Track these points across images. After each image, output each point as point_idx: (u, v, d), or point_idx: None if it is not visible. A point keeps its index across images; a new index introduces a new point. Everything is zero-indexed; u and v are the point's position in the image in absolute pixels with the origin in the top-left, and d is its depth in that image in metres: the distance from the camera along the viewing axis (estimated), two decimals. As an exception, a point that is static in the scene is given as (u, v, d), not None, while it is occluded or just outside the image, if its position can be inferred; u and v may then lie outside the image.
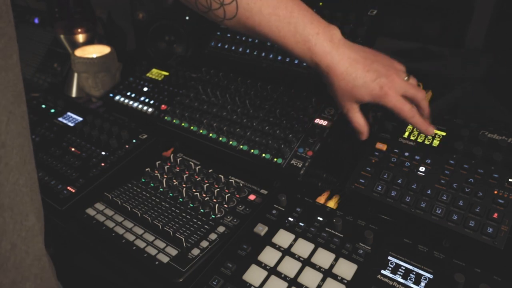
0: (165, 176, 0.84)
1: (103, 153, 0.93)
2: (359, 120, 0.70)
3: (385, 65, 0.68)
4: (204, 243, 0.68)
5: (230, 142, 0.85)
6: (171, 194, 0.80)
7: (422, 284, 0.57)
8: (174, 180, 0.83)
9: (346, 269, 0.60)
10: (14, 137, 0.43)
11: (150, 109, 1.02)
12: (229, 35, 1.03)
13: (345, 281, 0.58)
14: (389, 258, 0.61)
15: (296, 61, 0.91)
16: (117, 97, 1.10)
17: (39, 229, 0.48)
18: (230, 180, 0.80)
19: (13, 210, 0.43)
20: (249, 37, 0.71)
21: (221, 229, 0.71)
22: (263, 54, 0.96)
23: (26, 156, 0.46)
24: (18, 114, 0.44)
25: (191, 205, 0.77)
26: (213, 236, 0.70)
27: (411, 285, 0.57)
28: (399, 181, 0.68)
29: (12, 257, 0.44)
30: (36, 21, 1.54)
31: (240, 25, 0.66)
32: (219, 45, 1.03)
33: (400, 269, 0.59)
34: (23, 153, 0.46)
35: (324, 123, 0.82)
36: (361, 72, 0.65)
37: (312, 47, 0.65)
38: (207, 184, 0.79)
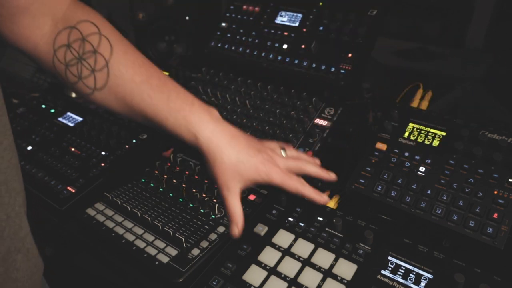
0: (165, 176, 0.84)
1: (103, 153, 0.92)
2: (236, 206, 0.61)
3: (260, 143, 0.65)
4: (204, 243, 0.68)
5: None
6: (171, 194, 0.80)
7: (422, 284, 0.57)
8: (174, 180, 0.82)
9: (346, 269, 0.60)
10: (3, 116, 0.47)
11: (150, 109, 1.02)
12: (229, 35, 1.03)
13: (345, 281, 0.58)
14: (389, 258, 0.61)
15: (296, 61, 0.91)
16: (117, 97, 1.10)
17: (24, 211, 0.51)
18: (230, 180, 0.80)
19: (8, 186, 0.46)
20: (121, 114, 0.64)
21: (221, 229, 0.71)
22: (263, 54, 0.96)
23: (12, 139, 0.49)
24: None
25: (191, 205, 0.77)
26: (213, 236, 0.70)
27: (411, 285, 0.57)
28: (399, 181, 0.68)
29: (7, 228, 0.46)
30: None
31: (111, 96, 0.61)
32: (219, 45, 1.03)
33: (400, 269, 0.59)
34: (12, 136, 0.49)
35: (324, 123, 0.82)
36: (243, 147, 0.61)
37: (187, 116, 0.60)
38: (207, 184, 0.79)
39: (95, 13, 0.62)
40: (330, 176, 0.68)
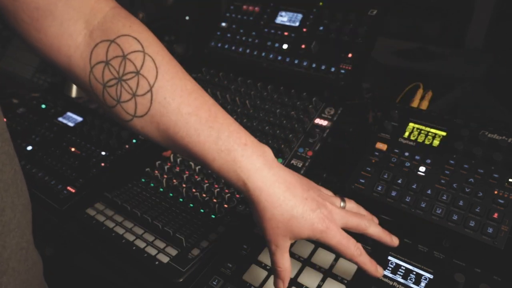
0: (165, 176, 0.84)
1: (103, 153, 0.92)
2: (286, 263, 0.54)
3: (319, 193, 0.56)
4: (204, 243, 0.68)
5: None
6: (171, 194, 0.80)
7: (422, 284, 0.57)
8: (174, 180, 0.82)
9: (346, 269, 0.60)
10: None
11: (150, 109, 1.02)
12: (229, 35, 1.03)
13: (345, 281, 0.58)
14: (389, 258, 0.61)
15: (296, 61, 0.91)
16: (117, 97, 1.10)
17: (17, 222, 0.47)
18: (230, 180, 0.80)
19: None
20: (162, 145, 0.56)
21: (221, 229, 0.71)
22: (263, 54, 0.96)
23: (8, 153, 0.45)
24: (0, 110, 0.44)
25: (191, 205, 0.77)
26: (213, 236, 0.70)
27: (411, 285, 0.57)
28: (399, 181, 0.68)
29: None
30: None
31: (152, 125, 0.53)
32: (219, 45, 1.03)
33: (400, 269, 0.59)
34: (9, 148, 0.45)
35: (324, 123, 0.82)
36: (299, 201, 0.52)
37: (238, 159, 0.51)
38: (207, 184, 0.79)
39: (139, 25, 0.54)
40: (393, 241, 0.58)
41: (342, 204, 0.58)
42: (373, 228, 0.57)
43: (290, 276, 0.55)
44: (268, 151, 0.55)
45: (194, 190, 0.80)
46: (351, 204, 0.60)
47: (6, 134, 0.46)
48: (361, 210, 0.60)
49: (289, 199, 0.52)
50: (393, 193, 0.67)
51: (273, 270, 0.55)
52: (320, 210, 0.53)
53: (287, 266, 0.54)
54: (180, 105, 0.52)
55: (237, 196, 0.78)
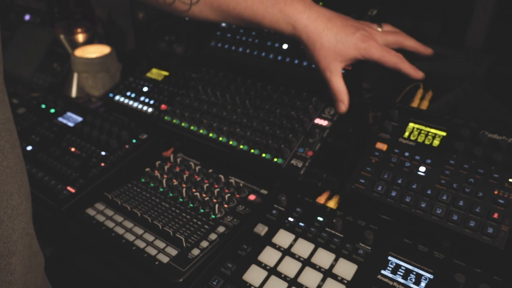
0: (165, 176, 0.84)
1: (103, 153, 0.92)
2: (340, 85, 0.67)
3: (356, 22, 0.67)
4: (204, 243, 0.68)
5: (230, 142, 0.85)
6: (171, 194, 0.80)
7: (422, 284, 0.57)
8: (174, 180, 0.82)
9: (346, 269, 0.60)
10: (2, 122, 0.46)
11: (150, 109, 1.02)
12: (229, 35, 1.03)
13: (345, 281, 0.58)
14: (389, 258, 0.61)
15: (296, 61, 0.91)
16: (117, 97, 1.10)
17: (24, 208, 0.50)
18: (230, 180, 0.80)
19: None
20: (221, 22, 0.69)
21: (221, 229, 0.71)
22: (263, 54, 0.96)
23: (11, 142, 0.48)
24: (5, 101, 0.47)
25: (191, 205, 0.77)
26: (213, 236, 0.70)
27: (411, 285, 0.57)
28: (399, 181, 0.68)
29: (0, 232, 0.46)
30: (27, 17, 1.53)
31: (207, 7, 0.65)
32: (219, 45, 1.03)
33: (400, 269, 0.59)
34: (11, 138, 0.48)
35: (324, 123, 0.82)
36: (340, 28, 0.64)
37: (283, 9, 0.63)
38: (207, 184, 0.79)
39: None
40: (427, 50, 0.70)
41: (379, 28, 0.68)
42: (408, 41, 0.68)
43: (348, 98, 0.67)
44: None
45: (194, 190, 0.80)
46: (387, 27, 0.70)
47: (9, 124, 0.48)
48: (398, 30, 0.70)
49: (332, 28, 0.63)
50: (393, 193, 0.67)
51: (331, 95, 0.67)
52: (360, 32, 0.64)
53: (342, 87, 0.66)
54: None
55: (237, 196, 0.78)
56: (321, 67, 0.66)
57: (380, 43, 0.66)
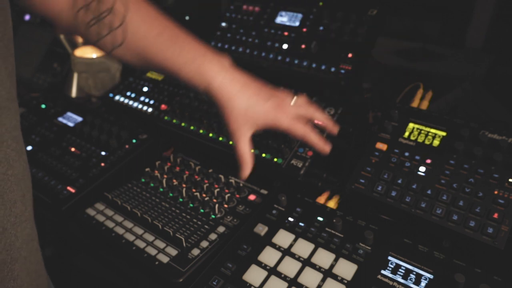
0: (165, 176, 0.84)
1: (103, 153, 0.92)
2: (245, 150, 0.66)
3: (271, 91, 0.68)
4: (204, 243, 0.68)
5: (230, 142, 0.85)
6: (171, 194, 0.80)
7: (422, 284, 0.57)
8: (174, 180, 0.82)
9: (346, 269, 0.60)
10: (8, 130, 0.46)
11: (150, 109, 1.02)
12: (229, 35, 1.03)
13: (345, 281, 0.58)
14: (389, 258, 0.61)
15: (296, 61, 0.91)
16: (117, 97, 1.10)
17: (28, 214, 0.51)
18: (230, 180, 0.80)
19: (3, 198, 0.46)
20: (141, 67, 0.70)
21: (221, 229, 0.71)
22: (263, 54, 0.96)
23: (17, 150, 0.48)
24: (13, 108, 0.47)
25: (191, 205, 0.77)
26: (213, 236, 0.70)
27: (411, 285, 0.57)
28: (399, 181, 0.68)
29: (3, 240, 0.46)
30: (27, 18, 1.53)
31: (129, 52, 0.65)
32: (219, 45, 1.03)
33: (400, 269, 0.59)
34: (18, 146, 0.48)
35: (324, 123, 0.82)
36: (253, 94, 0.65)
37: (200, 66, 0.64)
38: (207, 184, 0.79)
39: None
40: (334, 128, 0.72)
41: (292, 102, 0.69)
42: (318, 115, 0.70)
43: (251, 164, 0.67)
44: (226, 60, 0.66)
45: (194, 190, 0.80)
46: (302, 100, 0.70)
47: (16, 132, 0.49)
48: (311, 104, 0.71)
49: (244, 92, 0.65)
50: (393, 193, 0.67)
51: (237, 159, 0.67)
52: (272, 100, 0.66)
53: (247, 153, 0.66)
54: (148, 30, 0.63)
55: (237, 196, 0.78)
56: (230, 129, 0.66)
57: (289, 113, 0.67)
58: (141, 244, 0.70)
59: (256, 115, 0.65)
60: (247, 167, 0.67)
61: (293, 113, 0.67)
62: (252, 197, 0.77)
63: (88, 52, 1.20)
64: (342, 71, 0.85)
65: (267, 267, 0.62)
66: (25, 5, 0.62)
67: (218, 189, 0.78)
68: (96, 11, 0.61)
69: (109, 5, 0.61)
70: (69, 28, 0.65)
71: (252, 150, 0.68)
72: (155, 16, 0.65)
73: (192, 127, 0.91)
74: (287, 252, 0.64)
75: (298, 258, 0.62)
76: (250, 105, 0.65)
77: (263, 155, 0.81)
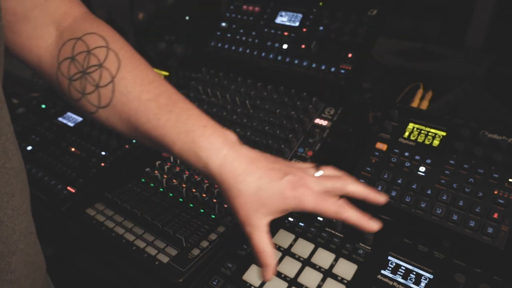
0: (165, 176, 0.84)
1: (103, 153, 0.92)
2: (264, 244, 0.51)
3: (287, 164, 0.54)
4: (204, 243, 0.68)
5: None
6: (171, 194, 0.80)
7: (422, 284, 0.57)
8: (174, 180, 0.82)
9: (346, 269, 0.60)
10: (7, 124, 0.46)
11: (150, 109, 1.02)
12: (229, 35, 1.03)
13: (345, 281, 0.58)
14: (389, 258, 0.61)
15: (296, 61, 0.91)
16: (117, 97, 1.10)
17: (26, 208, 0.50)
18: (230, 180, 0.80)
19: (1, 191, 0.45)
20: (126, 135, 0.57)
21: (221, 229, 0.71)
22: (263, 54, 0.96)
23: (15, 144, 0.48)
24: (5, 104, 0.46)
25: (191, 205, 0.77)
26: (213, 236, 0.70)
27: (411, 285, 0.57)
28: (399, 181, 0.68)
29: (0, 233, 0.45)
30: None
31: (115, 115, 0.55)
32: (219, 45, 1.03)
33: (400, 269, 0.59)
34: (15, 140, 0.48)
35: (324, 123, 0.82)
36: (264, 171, 0.51)
37: (196, 139, 0.51)
38: (207, 184, 0.79)
39: (105, 25, 0.58)
40: (380, 198, 0.56)
41: (315, 173, 0.54)
42: (352, 186, 0.54)
43: (274, 261, 0.51)
44: (230, 134, 0.54)
45: (194, 190, 0.80)
46: (327, 171, 0.56)
47: (12, 126, 0.48)
48: (339, 174, 0.57)
49: (253, 171, 0.50)
50: (393, 193, 0.67)
51: (255, 257, 0.51)
52: (288, 177, 0.51)
53: (267, 247, 0.51)
54: (140, 92, 0.54)
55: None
56: (240, 219, 0.51)
57: (313, 188, 0.51)
58: (141, 244, 0.70)
59: (271, 198, 0.50)
60: (271, 264, 0.51)
61: (318, 188, 0.52)
62: (252, 197, 0.77)
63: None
64: (342, 71, 0.85)
65: (267, 267, 0.62)
66: (5, 46, 0.54)
67: (218, 189, 0.78)
68: (84, 64, 0.54)
69: (100, 58, 0.54)
70: (50, 81, 0.58)
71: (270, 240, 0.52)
72: (152, 78, 0.56)
73: (192, 127, 0.91)
74: (287, 252, 0.64)
75: (298, 258, 0.62)
76: (261, 186, 0.50)
77: (263, 155, 0.81)
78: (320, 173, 0.55)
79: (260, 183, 0.50)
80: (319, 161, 0.78)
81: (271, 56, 0.95)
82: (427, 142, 0.72)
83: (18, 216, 0.48)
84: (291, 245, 0.64)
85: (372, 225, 0.53)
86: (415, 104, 0.86)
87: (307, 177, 0.53)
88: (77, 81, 0.55)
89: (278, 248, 0.64)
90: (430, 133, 0.72)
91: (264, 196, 0.50)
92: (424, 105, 0.86)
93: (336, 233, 0.65)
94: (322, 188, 0.52)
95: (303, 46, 0.92)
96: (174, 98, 0.55)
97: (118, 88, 0.54)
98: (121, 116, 0.55)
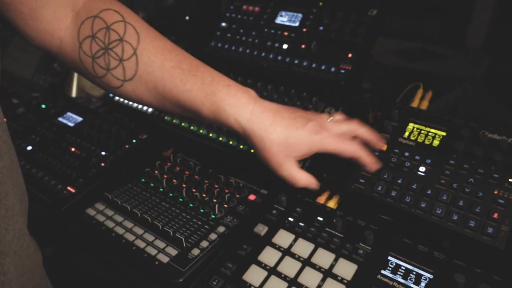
0: (165, 176, 0.84)
1: (103, 153, 0.92)
2: (303, 176, 0.60)
3: (305, 112, 0.62)
4: (204, 243, 0.68)
5: (230, 142, 0.85)
6: (171, 194, 0.80)
7: (422, 284, 0.57)
8: (174, 180, 0.82)
9: (346, 269, 0.60)
10: (1, 123, 0.46)
11: (150, 109, 1.02)
12: (229, 35, 1.03)
13: (345, 281, 0.58)
14: (389, 258, 0.61)
15: (296, 61, 0.91)
16: (117, 97, 1.10)
17: (19, 209, 0.50)
18: (230, 180, 0.80)
19: None
20: (155, 105, 0.60)
21: (221, 229, 0.71)
22: (263, 54, 0.96)
23: (7, 142, 0.48)
24: None
25: (191, 205, 0.77)
26: (213, 236, 0.70)
27: (411, 285, 0.57)
28: (399, 181, 0.68)
29: None
30: None
31: (142, 86, 0.58)
32: (219, 45, 1.03)
33: (400, 269, 0.59)
34: (8, 139, 0.48)
35: (324, 123, 0.82)
36: (289, 120, 0.58)
37: (224, 98, 0.56)
38: (207, 184, 0.79)
39: (117, 1, 0.60)
40: (380, 144, 0.67)
41: (329, 118, 0.63)
42: (362, 129, 0.64)
43: (315, 180, 0.62)
44: (251, 91, 0.59)
45: (194, 190, 0.80)
46: (339, 116, 0.64)
47: (5, 125, 0.48)
48: (350, 119, 0.65)
49: (280, 122, 0.57)
50: (393, 193, 0.67)
51: (302, 188, 0.60)
52: (311, 123, 0.58)
53: (304, 176, 0.60)
54: (163, 61, 0.57)
55: (237, 196, 0.78)
56: (274, 166, 0.59)
57: (332, 131, 0.60)
58: (141, 244, 0.70)
59: (300, 143, 0.58)
60: (315, 183, 0.62)
61: (336, 131, 0.61)
62: (252, 197, 0.77)
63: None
64: (342, 71, 0.85)
65: (267, 267, 0.62)
66: (27, 35, 0.58)
67: (218, 189, 0.78)
68: (105, 40, 0.56)
69: (120, 33, 0.56)
70: (73, 63, 0.59)
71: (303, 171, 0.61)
72: (171, 47, 0.59)
73: (192, 127, 0.91)
74: (287, 252, 0.64)
75: (298, 258, 0.62)
76: (289, 134, 0.57)
77: (263, 155, 0.81)
78: (333, 118, 0.63)
79: (288, 132, 0.57)
80: (319, 161, 0.78)
81: (271, 56, 0.95)
82: (427, 142, 0.72)
83: (12, 216, 0.48)
84: (291, 245, 0.64)
85: (375, 165, 0.64)
86: (415, 104, 0.86)
87: (325, 122, 0.61)
88: (100, 58, 0.57)
89: (278, 248, 0.64)
90: (430, 133, 0.72)
91: (293, 143, 0.57)
92: (424, 105, 0.86)
93: (336, 233, 0.65)
94: (339, 131, 0.61)
95: (303, 46, 0.92)
96: (195, 63, 0.59)
97: (142, 59, 0.56)
98: (147, 86, 0.57)
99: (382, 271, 0.59)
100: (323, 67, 0.87)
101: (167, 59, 0.57)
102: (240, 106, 0.57)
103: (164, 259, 0.67)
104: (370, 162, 0.63)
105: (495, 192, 0.62)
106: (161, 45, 0.58)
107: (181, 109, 0.59)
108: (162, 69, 0.57)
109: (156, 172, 0.85)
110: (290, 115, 0.59)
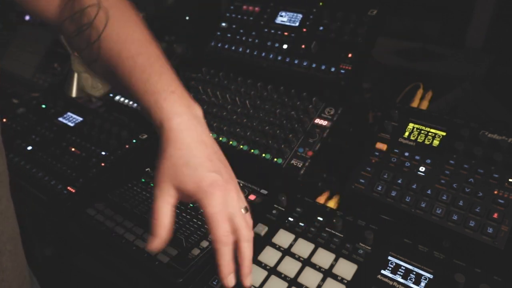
0: (165, 176, 0.84)
1: (103, 153, 0.92)
2: (164, 213, 0.51)
3: (229, 173, 0.55)
4: (204, 243, 0.68)
5: (230, 142, 0.85)
6: (171, 194, 0.80)
7: (422, 284, 0.57)
8: (174, 180, 0.82)
9: (346, 269, 0.60)
10: None
11: (150, 109, 1.02)
12: (229, 35, 1.03)
13: (345, 281, 0.58)
14: (389, 258, 0.61)
15: (296, 61, 0.91)
16: (117, 97, 1.10)
17: (12, 211, 0.52)
18: (230, 180, 0.80)
19: None
20: (114, 89, 0.65)
21: (221, 229, 0.71)
22: (263, 54, 0.96)
23: (2, 147, 0.50)
24: None
25: (191, 205, 0.77)
26: (213, 236, 0.70)
27: (411, 285, 0.57)
28: (399, 181, 0.68)
29: None
30: (27, 17, 1.54)
31: (102, 69, 0.60)
32: (219, 45, 1.03)
33: (400, 269, 0.59)
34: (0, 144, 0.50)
35: (324, 123, 0.82)
36: (204, 156, 0.52)
37: (160, 101, 0.54)
38: (207, 184, 0.79)
39: None
40: (245, 280, 0.54)
41: (243, 207, 0.54)
42: (247, 244, 0.53)
43: (166, 236, 0.50)
44: (197, 109, 0.57)
45: (194, 190, 0.80)
46: (249, 218, 0.55)
47: None
48: (251, 227, 0.55)
49: (195, 149, 0.52)
50: (393, 193, 0.67)
51: (151, 222, 0.51)
52: (216, 175, 0.51)
53: (165, 219, 0.50)
54: (121, 51, 0.57)
55: (237, 196, 0.78)
56: (155, 179, 0.53)
57: (227, 205, 0.51)
58: (141, 244, 0.70)
59: (188, 179, 0.51)
60: (160, 234, 0.50)
61: (229, 209, 0.52)
62: (252, 197, 0.77)
63: (88, 52, 1.20)
64: (342, 71, 0.85)
65: (267, 267, 0.62)
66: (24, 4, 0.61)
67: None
68: (79, 23, 0.58)
69: (90, 17, 0.57)
70: (61, 34, 0.65)
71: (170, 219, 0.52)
72: (136, 38, 0.59)
73: (192, 127, 0.91)
74: (287, 252, 0.64)
75: (298, 258, 0.62)
76: (189, 164, 0.51)
77: (263, 155, 0.81)
78: (243, 210, 0.54)
79: (191, 161, 0.51)
80: (319, 161, 0.78)
81: (271, 56, 0.95)
82: (427, 142, 0.72)
83: (7, 218, 0.50)
84: (291, 245, 0.64)
85: (229, 280, 0.52)
86: (415, 104, 0.86)
87: (232, 194, 0.52)
88: (75, 38, 0.60)
89: (278, 248, 0.64)
90: (430, 133, 0.72)
91: (185, 173, 0.51)
92: (424, 105, 0.86)
93: (336, 233, 0.65)
94: (231, 213, 0.52)
95: (303, 46, 0.92)
96: (153, 60, 0.58)
97: (103, 45, 0.58)
98: (106, 70, 0.59)
99: (382, 271, 0.59)
100: (323, 67, 0.87)
101: (126, 49, 0.58)
102: (172, 114, 0.53)
103: (164, 259, 0.67)
104: (225, 270, 0.51)
105: (495, 192, 0.62)
106: (126, 33, 0.59)
107: (131, 98, 0.64)
108: (118, 58, 0.58)
109: (156, 172, 0.85)
110: (210, 156, 0.53)
